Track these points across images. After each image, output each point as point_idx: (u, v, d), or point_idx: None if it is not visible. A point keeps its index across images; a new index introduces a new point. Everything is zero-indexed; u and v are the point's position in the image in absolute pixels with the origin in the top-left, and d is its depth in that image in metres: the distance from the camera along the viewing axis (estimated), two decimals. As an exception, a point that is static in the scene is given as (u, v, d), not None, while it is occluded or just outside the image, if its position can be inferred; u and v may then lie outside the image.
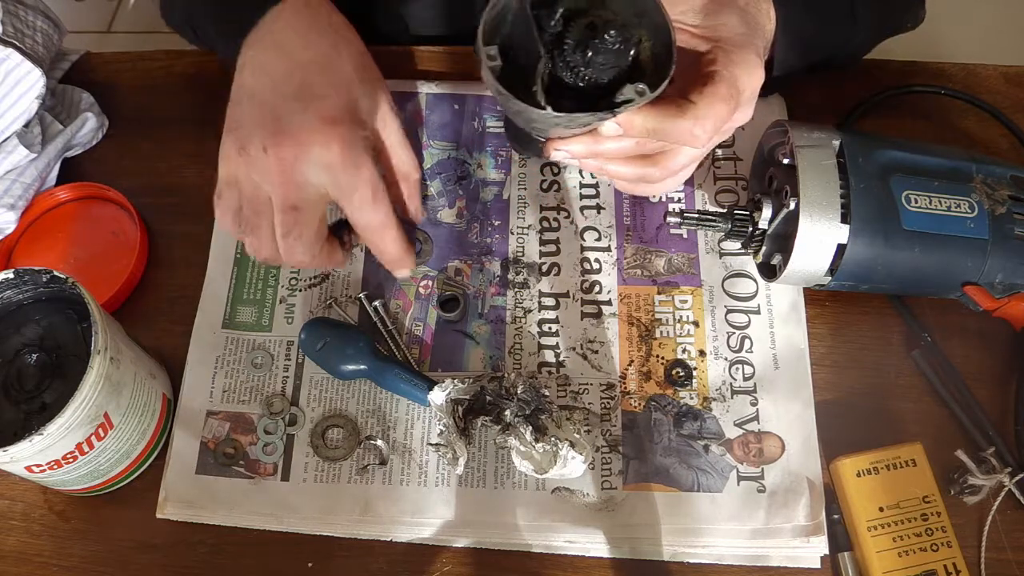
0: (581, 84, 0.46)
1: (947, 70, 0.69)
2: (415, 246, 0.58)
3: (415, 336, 0.60)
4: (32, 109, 0.63)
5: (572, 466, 0.52)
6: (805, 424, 0.56)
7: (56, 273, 0.51)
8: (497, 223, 0.64)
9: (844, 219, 0.53)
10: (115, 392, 0.51)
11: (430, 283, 0.62)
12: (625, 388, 0.58)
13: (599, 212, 0.64)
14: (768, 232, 0.57)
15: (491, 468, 0.56)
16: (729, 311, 0.60)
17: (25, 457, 0.48)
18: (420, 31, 0.76)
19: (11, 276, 0.52)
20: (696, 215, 0.58)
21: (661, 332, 0.60)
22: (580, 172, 0.65)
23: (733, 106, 0.49)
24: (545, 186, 0.65)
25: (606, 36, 0.44)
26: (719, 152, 0.65)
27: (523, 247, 0.63)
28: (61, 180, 0.68)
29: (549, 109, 0.44)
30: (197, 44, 0.70)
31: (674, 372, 0.59)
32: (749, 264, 0.61)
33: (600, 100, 0.46)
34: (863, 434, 0.56)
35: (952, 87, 0.67)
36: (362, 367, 0.58)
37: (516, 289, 0.62)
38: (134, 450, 0.55)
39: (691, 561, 0.54)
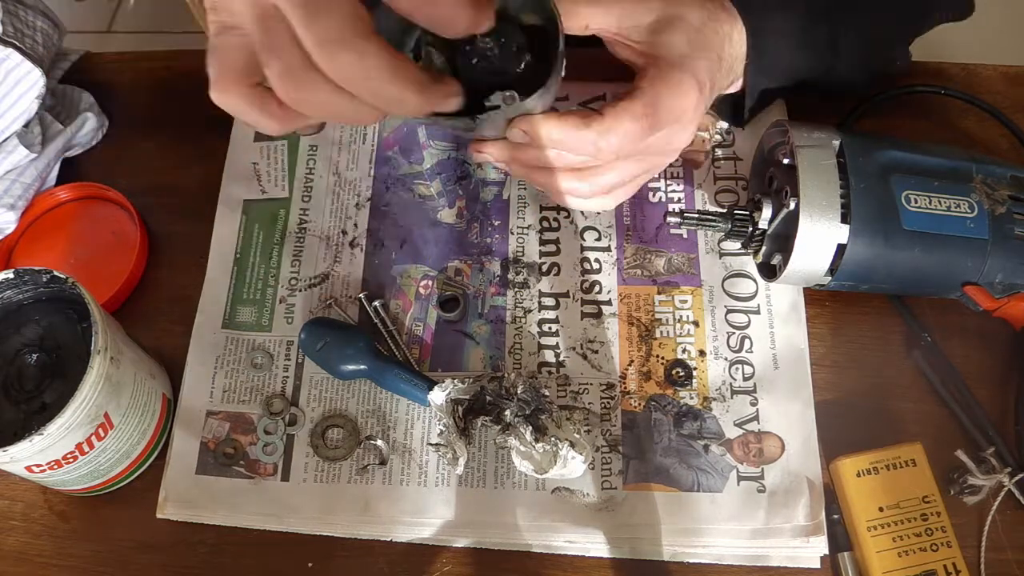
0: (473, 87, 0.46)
1: (947, 70, 0.69)
2: None
3: (415, 336, 0.60)
4: (32, 109, 0.63)
5: (572, 466, 0.52)
6: (805, 424, 0.56)
7: (56, 273, 0.52)
8: (497, 223, 0.64)
9: (844, 219, 0.53)
10: (115, 392, 0.51)
11: (430, 283, 0.62)
12: (625, 388, 0.58)
13: (599, 212, 0.64)
14: (768, 232, 0.57)
15: (491, 468, 0.56)
16: (729, 311, 0.60)
17: (25, 457, 0.48)
18: None
19: (11, 276, 0.52)
20: (696, 215, 0.58)
21: (661, 332, 0.60)
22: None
23: (647, 125, 0.48)
24: (545, 186, 0.65)
25: (478, 43, 0.45)
26: (719, 152, 0.65)
27: (523, 247, 0.63)
28: (61, 180, 0.68)
29: None
30: None
31: (674, 372, 0.59)
32: (749, 264, 0.61)
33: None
34: (863, 434, 0.56)
35: (952, 87, 0.66)
36: (362, 367, 0.58)
37: (516, 289, 0.62)
38: (134, 450, 0.55)
39: (691, 561, 0.54)
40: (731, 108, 0.62)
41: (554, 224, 0.64)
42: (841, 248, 0.53)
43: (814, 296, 0.61)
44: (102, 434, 0.52)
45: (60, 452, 0.50)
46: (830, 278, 0.55)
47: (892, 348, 0.59)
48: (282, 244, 0.64)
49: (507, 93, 0.46)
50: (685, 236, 0.63)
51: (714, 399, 0.58)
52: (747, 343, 0.59)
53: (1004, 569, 0.53)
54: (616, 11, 0.52)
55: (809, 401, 0.57)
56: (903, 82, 0.66)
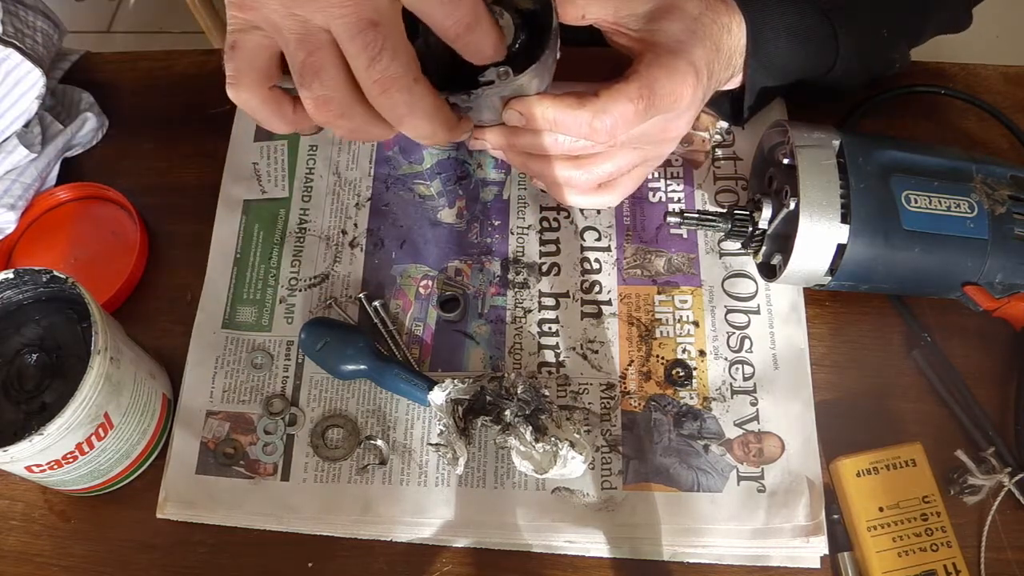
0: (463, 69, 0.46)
1: (947, 70, 0.69)
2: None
3: (415, 336, 0.61)
4: (32, 109, 0.63)
5: (572, 466, 0.52)
6: (805, 424, 0.56)
7: (56, 273, 0.52)
8: (497, 223, 0.64)
9: (844, 219, 0.53)
10: (115, 392, 0.51)
11: (430, 283, 0.62)
12: (625, 388, 0.58)
13: (599, 212, 0.64)
14: (768, 232, 0.57)
15: (491, 468, 0.56)
16: (729, 311, 0.60)
17: (25, 457, 0.49)
18: None
19: (11, 276, 0.52)
20: (696, 215, 0.58)
21: (661, 332, 0.60)
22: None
23: (643, 107, 0.48)
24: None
25: None
26: (719, 152, 0.65)
27: (523, 247, 0.63)
28: (61, 180, 0.68)
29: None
30: None
31: (674, 372, 0.59)
32: (749, 264, 0.61)
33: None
34: (863, 434, 0.56)
35: (952, 87, 0.67)
36: (362, 367, 0.58)
37: (516, 289, 0.62)
38: (134, 450, 0.55)
39: (691, 561, 0.54)
40: (731, 107, 0.62)
41: (554, 224, 0.64)
42: (841, 248, 0.53)
43: (814, 296, 0.61)
44: (102, 434, 0.52)
45: (60, 452, 0.50)
46: (830, 278, 0.55)
47: (892, 348, 0.59)
48: (282, 244, 0.64)
49: (501, 68, 0.46)
50: (685, 236, 0.63)
51: (714, 399, 0.58)
52: (747, 343, 0.59)
53: (1004, 569, 0.53)
54: (613, 0, 0.52)
55: (809, 401, 0.57)
56: (903, 82, 0.66)
